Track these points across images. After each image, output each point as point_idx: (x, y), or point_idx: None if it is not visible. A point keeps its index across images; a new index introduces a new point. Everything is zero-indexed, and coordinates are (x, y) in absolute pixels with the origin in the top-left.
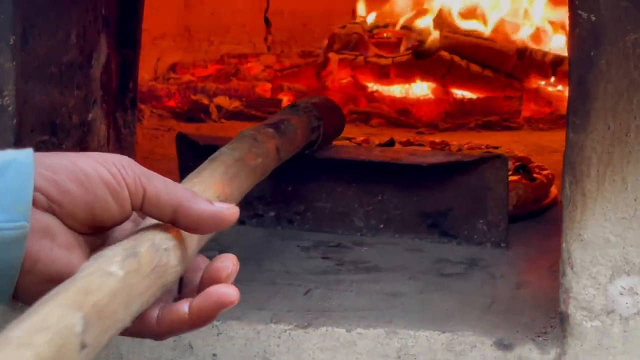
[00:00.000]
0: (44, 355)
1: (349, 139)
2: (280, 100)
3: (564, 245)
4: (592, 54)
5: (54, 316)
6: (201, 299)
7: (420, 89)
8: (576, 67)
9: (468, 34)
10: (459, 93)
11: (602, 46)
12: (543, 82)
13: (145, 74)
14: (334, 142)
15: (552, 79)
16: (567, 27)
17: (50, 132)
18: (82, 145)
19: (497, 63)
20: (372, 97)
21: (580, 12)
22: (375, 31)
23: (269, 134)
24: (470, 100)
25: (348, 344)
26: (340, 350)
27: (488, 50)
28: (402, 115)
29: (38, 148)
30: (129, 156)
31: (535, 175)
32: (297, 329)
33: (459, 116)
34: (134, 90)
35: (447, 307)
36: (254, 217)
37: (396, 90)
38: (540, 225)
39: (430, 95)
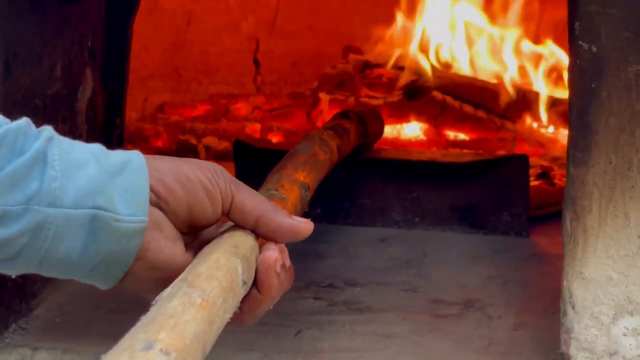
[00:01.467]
0: (223, 285)
1: None
2: (270, 141)
3: (564, 283)
4: (593, 85)
5: (223, 259)
6: (258, 273)
7: (413, 129)
8: (577, 99)
9: (461, 74)
10: (452, 134)
11: (604, 77)
12: (536, 124)
13: (132, 114)
14: None
15: (545, 120)
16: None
17: None
18: None
19: (491, 104)
20: None
21: (581, 42)
22: (366, 71)
23: (330, 135)
24: (463, 141)
25: None
26: None
27: (481, 90)
28: None
29: None
30: None
31: (555, 181)
32: None
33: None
34: (121, 126)
35: (442, 349)
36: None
37: (388, 130)
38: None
39: (422, 136)
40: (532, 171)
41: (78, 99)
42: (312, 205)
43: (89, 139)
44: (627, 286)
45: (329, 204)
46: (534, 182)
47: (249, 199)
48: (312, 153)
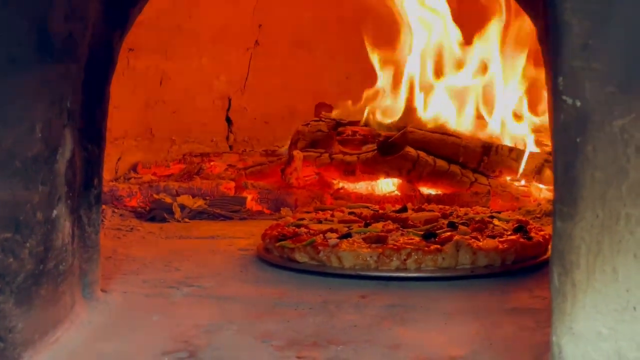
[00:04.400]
0: None
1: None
2: (245, 198)
3: (553, 338)
4: (578, 140)
5: None
6: None
7: (386, 185)
8: (562, 154)
9: (434, 130)
10: (425, 189)
11: (588, 132)
12: (509, 178)
13: (106, 174)
14: None
15: (519, 174)
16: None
17: (13, 229)
18: (47, 243)
19: (464, 159)
20: (338, 194)
21: (564, 97)
22: (339, 128)
23: None
24: (437, 196)
25: None
26: None
27: (454, 146)
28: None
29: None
30: (94, 255)
31: (532, 234)
32: None
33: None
34: (99, 186)
35: None
36: None
37: (362, 186)
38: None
39: (397, 192)
40: (508, 225)
41: (57, 160)
42: None
43: (68, 200)
44: (616, 341)
45: None
46: (510, 237)
47: None
48: None
